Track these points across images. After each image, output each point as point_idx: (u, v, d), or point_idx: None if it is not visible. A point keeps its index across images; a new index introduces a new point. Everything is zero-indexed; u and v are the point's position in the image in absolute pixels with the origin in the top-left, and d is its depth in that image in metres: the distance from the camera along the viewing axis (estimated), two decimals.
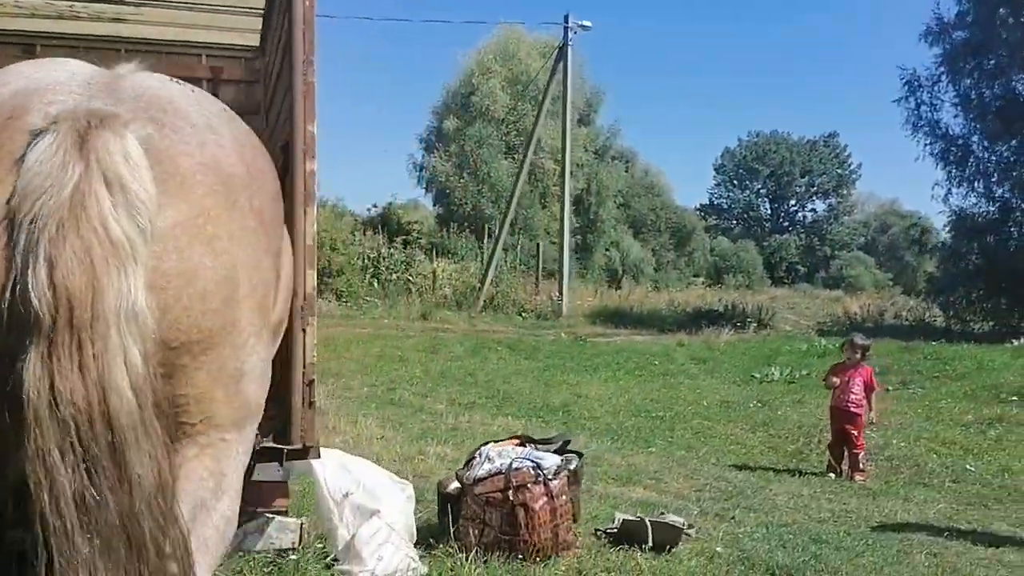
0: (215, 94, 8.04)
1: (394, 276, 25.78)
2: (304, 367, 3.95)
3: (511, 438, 5.14)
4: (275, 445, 3.96)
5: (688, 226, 52.22)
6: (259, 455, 3.98)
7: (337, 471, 4.45)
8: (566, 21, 25.77)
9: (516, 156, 33.38)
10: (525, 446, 5.04)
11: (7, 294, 1.74)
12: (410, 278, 25.87)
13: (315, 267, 3.96)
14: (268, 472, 4.21)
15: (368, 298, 24.10)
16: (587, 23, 26.19)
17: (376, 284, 25.39)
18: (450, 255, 29.83)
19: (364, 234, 28.41)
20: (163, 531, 1.80)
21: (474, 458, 4.77)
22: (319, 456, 4.15)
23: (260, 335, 2.18)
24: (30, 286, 1.70)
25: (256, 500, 4.13)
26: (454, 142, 38.78)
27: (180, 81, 2.34)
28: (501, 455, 4.65)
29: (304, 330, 3.93)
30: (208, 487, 2.10)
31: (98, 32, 7.43)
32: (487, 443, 4.94)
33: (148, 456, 1.80)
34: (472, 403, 10.34)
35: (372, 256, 26.43)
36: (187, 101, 2.17)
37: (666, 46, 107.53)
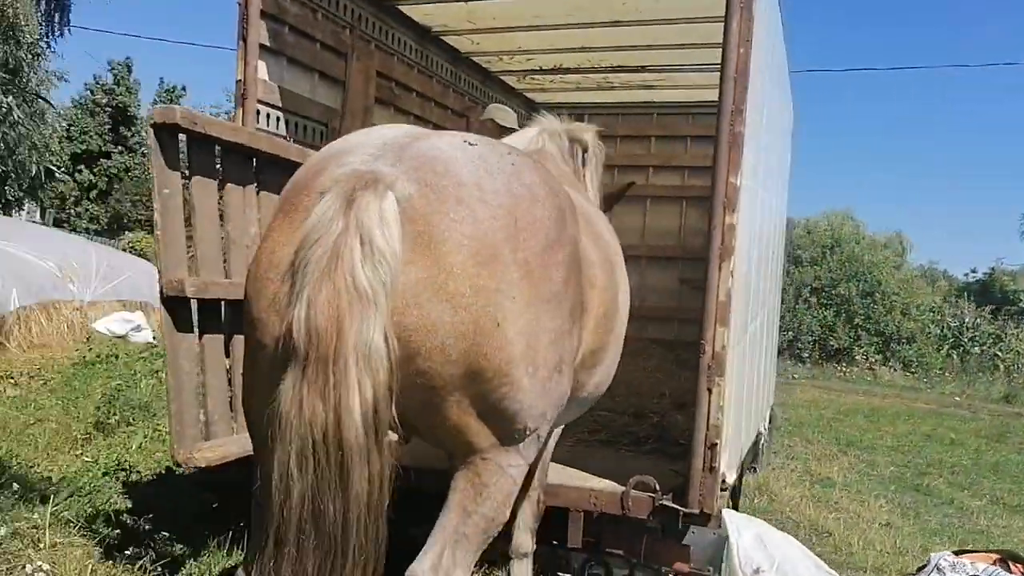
0: None
1: (978, 349, 22.69)
2: (707, 429, 3.77)
3: (990, 551, 4.15)
4: (672, 505, 3.84)
5: None
6: (656, 512, 3.91)
7: (753, 543, 4.11)
8: None
9: None
10: (1007, 564, 4.02)
11: (284, 326, 2.12)
12: (998, 353, 22.49)
13: (727, 325, 3.76)
14: (701, 536, 4.08)
15: (941, 371, 21.62)
16: None
17: (955, 357, 22.66)
18: None
19: (947, 300, 25.63)
20: (368, 540, 2.12)
21: (925, 566, 3.97)
22: (719, 525, 3.90)
23: (523, 377, 2.29)
24: (295, 322, 2.06)
25: (651, 555, 4.04)
26: None
27: (476, 141, 2.50)
28: (955, 568, 3.79)
29: (710, 390, 3.76)
30: (469, 495, 2.42)
31: (632, 99, 8.17)
32: (946, 551, 4.07)
33: (367, 476, 2.10)
34: (1022, 506, 8.55)
35: (954, 325, 23.68)
36: (464, 159, 2.33)
37: None
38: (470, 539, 2.42)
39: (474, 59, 7.03)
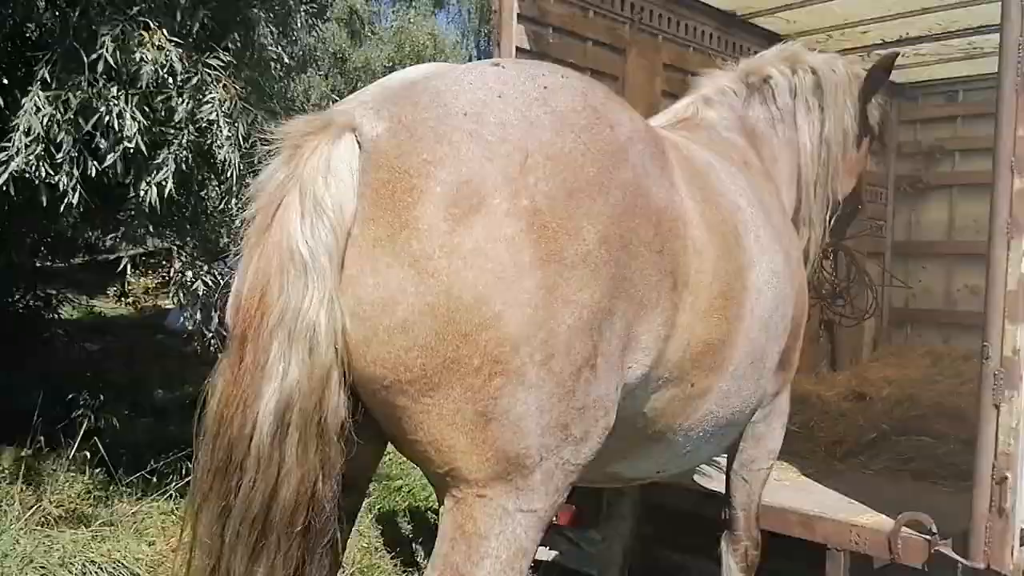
0: None
1: None
2: (995, 457, 2.89)
3: None
4: (950, 554, 3.00)
5: None
6: (931, 561, 3.09)
7: None
8: None
9: None
10: None
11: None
12: None
13: (1018, 320, 2.85)
14: None
15: None
16: None
17: None
18: None
19: None
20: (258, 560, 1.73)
21: None
22: None
23: (527, 367, 1.75)
24: (231, 295, 1.82)
25: None
26: None
27: (510, 64, 2.06)
28: None
29: (997, 407, 2.89)
30: (460, 550, 1.82)
31: None
32: None
33: (261, 481, 1.71)
34: None
35: None
36: (471, 85, 1.88)
37: None
38: None
39: (799, 40, 6.33)
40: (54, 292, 9.12)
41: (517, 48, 4.50)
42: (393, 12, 22.50)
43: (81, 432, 5.77)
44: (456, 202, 1.72)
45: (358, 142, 1.79)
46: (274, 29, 7.56)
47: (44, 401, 5.99)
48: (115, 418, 7.89)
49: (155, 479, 5.79)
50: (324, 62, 20.94)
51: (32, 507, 4.73)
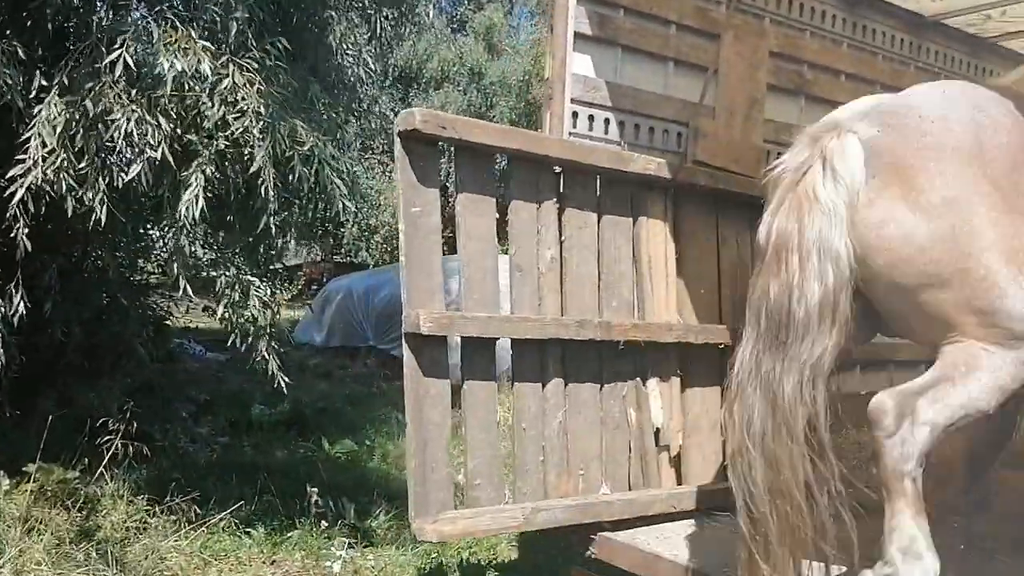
0: None
1: None
2: None
3: None
4: None
5: None
6: None
7: None
8: None
9: None
10: None
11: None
12: None
13: None
14: None
15: None
16: None
17: None
18: None
19: None
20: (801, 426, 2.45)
21: None
22: None
23: (1008, 284, 2.39)
24: (761, 229, 2.63)
25: None
26: None
27: (953, 85, 2.92)
28: None
29: None
30: (957, 368, 2.45)
31: None
32: None
33: (810, 340, 2.45)
34: None
35: None
36: (931, 98, 2.67)
37: None
38: (946, 404, 2.44)
39: (947, 21, 5.20)
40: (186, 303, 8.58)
41: (576, 34, 3.74)
42: (532, 25, 21.85)
43: (132, 453, 5.26)
44: (942, 171, 2.45)
45: (859, 139, 2.55)
46: (359, 36, 7.01)
47: (119, 417, 5.47)
48: (189, 437, 7.54)
49: (208, 506, 5.28)
50: (462, 76, 20.73)
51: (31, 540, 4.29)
